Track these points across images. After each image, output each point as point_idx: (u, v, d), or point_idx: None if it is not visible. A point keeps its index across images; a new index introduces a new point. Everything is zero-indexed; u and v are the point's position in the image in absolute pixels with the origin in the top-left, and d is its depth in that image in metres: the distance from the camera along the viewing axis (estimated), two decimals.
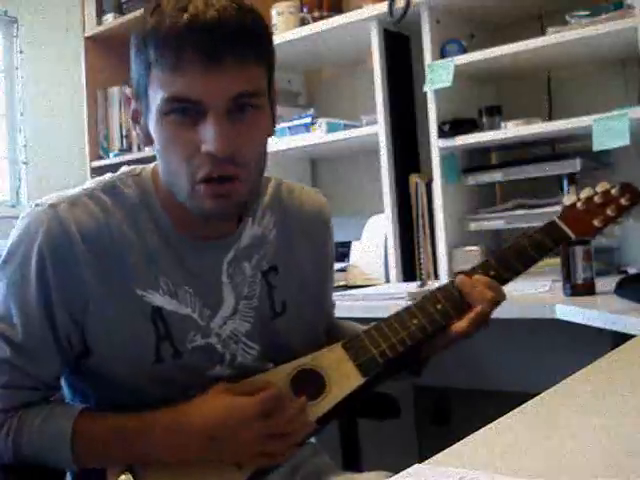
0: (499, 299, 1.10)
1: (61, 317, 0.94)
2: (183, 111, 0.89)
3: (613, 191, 1.23)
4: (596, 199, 1.22)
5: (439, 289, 1.12)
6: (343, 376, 1.04)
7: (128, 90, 0.99)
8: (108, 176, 1.02)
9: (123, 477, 0.95)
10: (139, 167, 1.04)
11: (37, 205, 0.96)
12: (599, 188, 1.24)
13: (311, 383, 1.02)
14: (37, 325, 0.93)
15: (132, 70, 0.95)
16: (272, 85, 0.98)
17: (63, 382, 1.05)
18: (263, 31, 0.95)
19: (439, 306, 1.09)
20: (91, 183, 1.00)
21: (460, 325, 1.08)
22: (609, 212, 1.22)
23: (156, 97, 0.90)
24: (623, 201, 1.22)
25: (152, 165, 1.03)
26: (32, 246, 0.93)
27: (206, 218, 0.97)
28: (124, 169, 1.03)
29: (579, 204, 1.22)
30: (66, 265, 0.93)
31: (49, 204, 0.95)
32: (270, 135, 0.99)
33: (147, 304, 0.96)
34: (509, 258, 1.14)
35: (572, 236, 1.19)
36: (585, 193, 1.24)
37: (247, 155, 0.93)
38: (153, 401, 0.96)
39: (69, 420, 0.94)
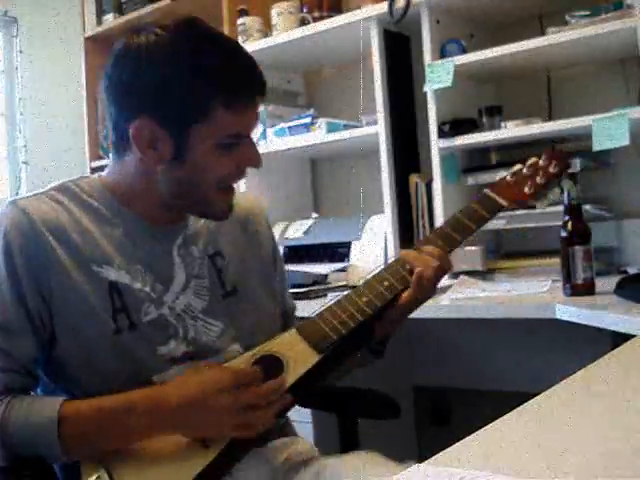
0: (443, 265, 1.16)
1: (31, 296, 1.01)
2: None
3: (540, 162, 1.29)
4: (525, 171, 1.29)
5: (385, 268, 1.17)
6: (300, 356, 1.08)
7: (139, 121, 1.04)
8: (61, 181, 1.12)
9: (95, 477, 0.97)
10: (87, 175, 1.17)
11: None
12: (528, 162, 1.30)
13: (271, 367, 1.07)
14: (13, 310, 1.01)
15: (160, 101, 1.02)
16: None
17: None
18: None
19: (386, 282, 1.15)
20: (46, 188, 1.10)
21: (406, 294, 1.15)
22: (538, 180, 1.28)
23: (213, 131, 1.03)
24: (551, 169, 1.29)
25: (97, 175, 1.14)
26: None
27: (218, 218, 1.13)
28: (74, 177, 1.13)
29: (508, 177, 1.29)
30: (31, 247, 1.02)
31: (9, 202, 1.06)
32: None
33: (104, 279, 1.05)
34: (447, 231, 1.21)
35: (504, 204, 1.25)
36: (514, 168, 1.30)
37: None
38: (119, 388, 1.01)
39: (53, 411, 0.98)
